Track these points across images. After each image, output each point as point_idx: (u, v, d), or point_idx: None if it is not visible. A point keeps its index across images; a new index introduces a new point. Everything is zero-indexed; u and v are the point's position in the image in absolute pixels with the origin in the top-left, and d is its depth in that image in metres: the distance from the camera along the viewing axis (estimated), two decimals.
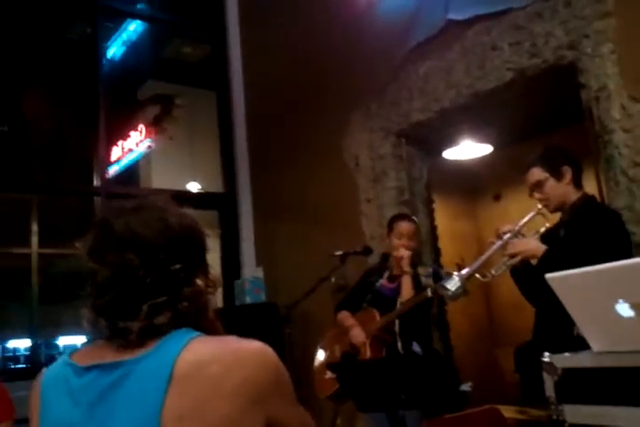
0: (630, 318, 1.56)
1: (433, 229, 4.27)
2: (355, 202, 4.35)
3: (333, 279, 3.82)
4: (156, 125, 7.99)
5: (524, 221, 2.55)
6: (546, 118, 4.22)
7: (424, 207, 4.24)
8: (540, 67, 3.19)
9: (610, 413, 1.63)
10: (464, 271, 2.27)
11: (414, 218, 3.54)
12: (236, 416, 1.00)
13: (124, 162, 8.01)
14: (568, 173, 2.58)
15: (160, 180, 7.77)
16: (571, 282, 1.75)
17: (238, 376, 1.02)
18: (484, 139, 4.70)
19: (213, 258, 5.57)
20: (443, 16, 3.68)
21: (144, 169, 8.32)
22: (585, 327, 1.73)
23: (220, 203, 5.64)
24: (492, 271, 2.48)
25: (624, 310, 1.57)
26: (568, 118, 3.65)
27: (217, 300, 5.11)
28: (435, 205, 4.65)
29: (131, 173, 8.07)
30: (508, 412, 3.34)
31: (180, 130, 7.87)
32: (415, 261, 3.37)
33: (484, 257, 2.48)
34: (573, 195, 2.59)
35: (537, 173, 2.62)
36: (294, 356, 4.28)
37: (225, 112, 5.83)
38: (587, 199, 2.60)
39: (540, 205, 2.57)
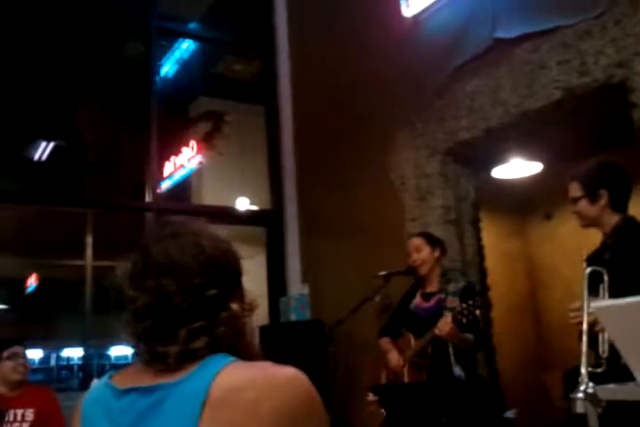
0: None
1: (480, 248, 4.20)
2: (400, 221, 4.32)
3: (378, 299, 3.81)
4: (206, 142, 8.13)
5: (586, 292, 2.27)
6: (598, 137, 4.13)
7: (471, 227, 4.18)
8: (590, 85, 3.14)
9: None
10: (583, 374, 1.98)
11: (426, 233, 3.55)
12: None
13: (176, 177, 8.15)
14: (604, 196, 2.53)
15: (211, 196, 7.88)
16: (616, 311, 1.70)
17: (272, 402, 1.01)
18: (534, 157, 4.63)
19: (260, 274, 5.64)
20: (490, 34, 3.65)
21: (195, 185, 8.46)
22: (630, 358, 1.67)
23: (268, 220, 5.69)
24: (603, 355, 2.26)
25: None
26: (620, 137, 3.57)
27: (261, 318, 5.18)
28: (483, 224, 4.58)
29: (182, 189, 8.21)
30: None
31: (230, 146, 7.99)
32: (447, 277, 3.33)
33: (584, 347, 2.17)
34: (611, 217, 2.55)
35: (574, 190, 2.60)
36: (338, 375, 4.29)
37: (273, 128, 5.91)
38: (628, 221, 2.54)
39: (588, 269, 2.32)
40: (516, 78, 3.51)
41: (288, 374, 1.07)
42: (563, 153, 4.55)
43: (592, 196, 2.55)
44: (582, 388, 1.99)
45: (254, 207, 6.25)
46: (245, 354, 1.12)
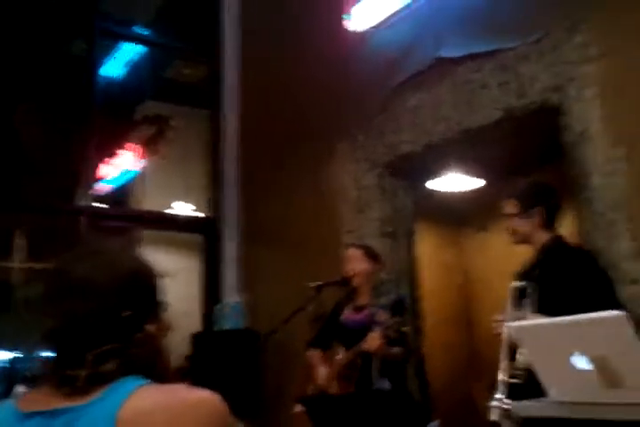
0: (586, 371, 1.54)
1: (412, 260, 4.25)
2: (337, 232, 4.33)
3: (311, 309, 3.80)
4: (150, 146, 8.01)
5: (510, 306, 2.37)
6: (535, 155, 4.23)
7: (406, 239, 4.22)
8: (528, 107, 3.23)
9: None
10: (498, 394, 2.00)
11: (365, 246, 3.55)
12: None
13: (115, 181, 8.01)
14: (538, 214, 2.61)
15: (152, 201, 7.77)
16: (531, 332, 1.75)
17: (183, 426, 0.99)
18: (473, 172, 4.73)
19: (197, 282, 5.57)
20: (434, 53, 3.71)
21: (137, 189, 8.32)
22: (544, 376, 1.71)
23: (205, 227, 5.62)
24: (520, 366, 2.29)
25: (580, 362, 1.56)
26: (556, 155, 3.68)
27: (195, 326, 5.11)
28: (421, 236, 4.64)
29: (124, 194, 8.06)
30: None
31: (175, 151, 7.89)
32: (379, 290, 3.36)
33: (503, 357, 2.20)
34: (542, 235, 2.63)
35: (510, 206, 2.68)
36: (269, 384, 4.26)
37: (216, 134, 5.84)
38: (557, 240, 2.63)
39: (515, 283, 2.41)
40: (458, 96, 3.57)
41: (200, 396, 1.05)
42: (500, 170, 4.66)
43: (527, 213, 2.62)
44: (497, 396, 2.02)
45: (198, 213, 6.18)
46: (160, 377, 1.10)
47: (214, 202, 5.67)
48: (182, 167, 7.92)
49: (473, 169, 4.47)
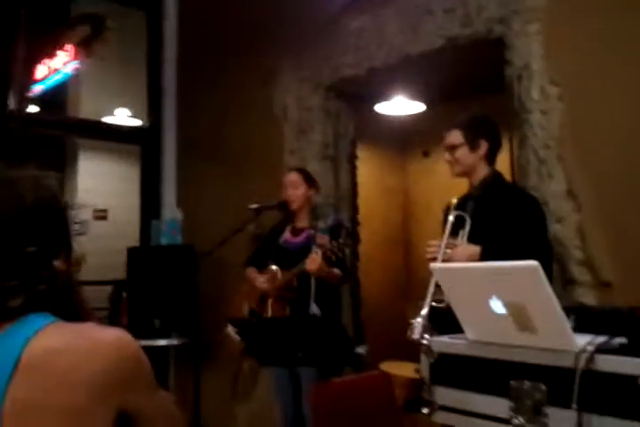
0: (502, 315, 1.64)
1: (354, 186, 4.29)
2: (279, 152, 4.30)
3: (252, 229, 3.85)
4: (85, 46, 7.60)
5: (447, 234, 2.45)
6: (479, 82, 4.22)
7: (347, 164, 4.24)
8: (471, 37, 3.18)
9: (471, 399, 1.73)
10: (423, 312, 2.15)
11: (303, 170, 3.54)
12: (85, 408, 0.98)
13: (49, 82, 7.63)
14: (484, 146, 2.63)
15: (90, 104, 7.47)
16: (453, 274, 1.83)
17: (90, 367, 0.99)
18: (416, 96, 4.72)
19: (134, 194, 5.51)
20: None
21: (73, 93, 7.97)
22: (462, 316, 1.82)
23: (144, 137, 5.47)
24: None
25: (497, 306, 1.65)
26: (498, 87, 3.69)
27: (132, 240, 5.11)
28: (364, 158, 4.67)
29: (58, 97, 7.71)
30: (406, 370, 3.52)
31: (114, 52, 7.52)
32: (317, 213, 3.42)
33: (431, 289, 2.34)
34: (483, 169, 2.65)
35: (455, 137, 2.66)
36: (206, 301, 4.36)
37: (155, 38, 5.58)
38: (496, 176, 2.66)
39: (454, 213, 2.49)
40: (403, 21, 3.50)
41: (111, 336, 1.04)
42: (443, 95, 4.66)
43: (472, 144, 2.63)
44: (422, 313, 2.13)
45: (136, 120, 5.99)
46: (74, 314, 1.09)
47: (153, 111, 5.50)
48: (122, 71, 7.60)
49: (415, 93, 4.45)
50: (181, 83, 5.41)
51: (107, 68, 7.51)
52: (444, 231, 2.44)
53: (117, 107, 7.07)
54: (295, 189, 3.37)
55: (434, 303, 2.15)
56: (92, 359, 0.99)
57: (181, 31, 5.44)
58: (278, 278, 3.27)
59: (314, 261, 2.99)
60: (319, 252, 2.99)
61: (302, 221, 3.42)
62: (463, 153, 2.64)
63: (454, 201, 2.57)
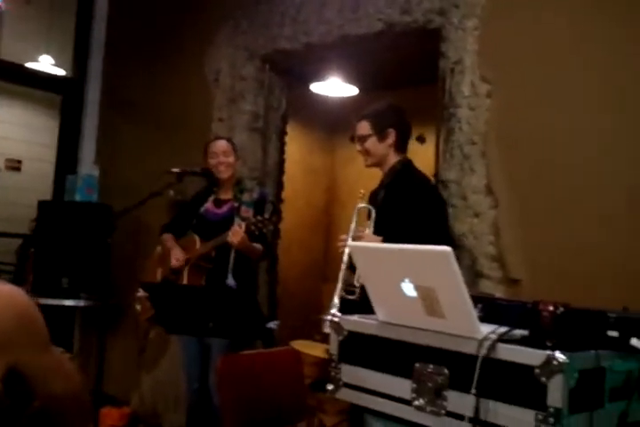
0: (412, 298, 1.70)
1: (281, 162, 4.28)
2: (207, 119, 4.24)
3: (172, 193, 3.79)
4: None
5: (354, 225, 2.55)
6: (413, 73, 4.28)
7: (276, 138, 4.22)
8: (410, 25, 3.21)
9: (376, 378, 1.80)
10: (335, 300, 2.21)
11: (231, 140, 3.52)
12: None
13: None
14: (391, 136, 2.72)
15: (11, 47, 7.09)
16: (368, 254, 1.87)
17: None
18: (351, 80, 4.74)
19: (51, 148, 5.30)
20: None
21: None
22: (374, 297, 1.87)
23: (66, 87, 5.26)
24: (356, 283, 2.38)
25: (408, 289, 1.70)
26: (432, 78, 3.76)
27: (45, 193, 4.94)
28: (293, 137, 4.65)
29: None
30: (317, 350, 3.59)
31: None
32: (242, 186, 3.40)
33: (341, 275, 2.40)
34: (393, 157, 2.75)
35: (363, 128, 2.75)
36: (118, 262, 4.29)
37: None
38: (405, 163, 2.75)
39: (360, 204, 2.58)
40: (344, 1, 3.49)
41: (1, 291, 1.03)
42: (378, 81, 4.72)
43: (381, 134, 2.71)
44: (332, 311, 2.22)
45: (60, 70, 5.73)
46: None
47: (79, 61, 5.28)
48: (48, 16, 7.23)
49: (350, 77, 4.47)
50: (111, 36, 5.22)
51: (33, 12, 7.13)
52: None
53: (41, 53, 6.74)
54: (227, 157, 3.34)
55: (346, 295, 2.22)
56: None
57: None
58: (196, 249, 3.25)
59: (237, 234, 2.98)
60: (243, 225, 2.99)
61: (226, 193, 3.40)
62: (372, 143, 2.73)
63: (362, 191, 2.64)
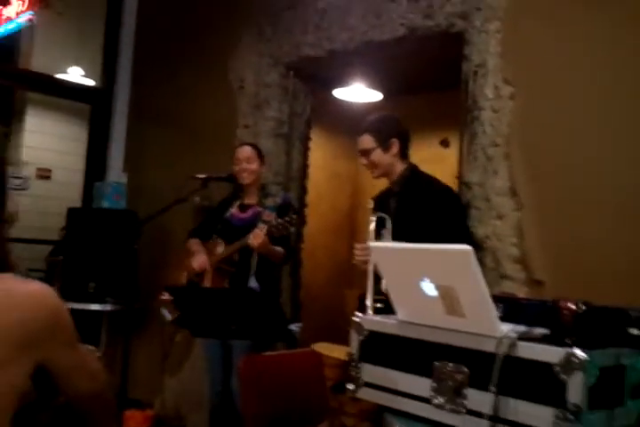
0: (433, 297, 1.70)
1: (305, 167, 4.32)
2: (232, 126, 4.29)
3: (198, 199, 3.84)
4: None
5: (372, 235, 2.49)
6: (437, 77, 4.28)
7: (300, 144, 4.26)
8: (432, 29, 3.23)
9: (396, 377, 1.79)
10: (367, 302, 2.18)
11: (256, 145, 3.53)
12: (2, 360, 0.98)
13: (1, 32, 7.35)
14: (395, 145, 2.73)
15: (42, 59, 7.24)
16: (389, 254, 1.88)
17: (5, 318, 0.99)
18: (375, 85, 4.76)
19: (80, 156, 5.40)
20: None
21: (25, 45, 7.70)
22: (394, 296, 1.87)
23: (95, 97, 5.36)
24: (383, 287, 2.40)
25: (429, 288, 1.70)
26: (453, 82, 3.75)
27: (74, 201, 5.02)
28: (318, 143, 4.68)
29: (9, 49, 7.43)
30: (339, 352, 3.59)
31: (72, 7, 7.28)
32: (266, 191, 3.45)
33: (370, 283, 2.32)
34: (399, 166, 2.77)
35: (366, 141, 2.76)
36: (146, 267, 4.34)
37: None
38: (413, 170, 2.77)
39: (375, 215, 2.52)
40: (368, 6, 3.51)
41: (30, 289, 1.04)
42: (402, 86, 4.72)
43: (384, 145, 2.73)
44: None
45: (89, 80, 5.84)
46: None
47: (108, 72, 5.39)
48: (77, 28, 7.38)
49: (374, 82, 4.48)
50: (139, 46, 5.31)
51: (63, 24, 7.28)
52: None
53: (71, 64, 6.87)
54: (250, 164, 3.37)
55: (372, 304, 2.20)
56: (8, 310, 0.99)
57: None
58: (220, 252, 3.28)
59: (257, 237, 3.00)
60: (264, 228, 3.01)
61: (251, 198, 3.42)
62: (378, 155, 2.74)
63: (371, 203, 2.62)
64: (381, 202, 2.72)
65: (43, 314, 1.03)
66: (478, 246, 2.64)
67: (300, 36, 3.90)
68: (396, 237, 2.48)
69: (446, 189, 2.74)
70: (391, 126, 2.77)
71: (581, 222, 2.59)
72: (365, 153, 2.76)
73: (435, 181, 2.75)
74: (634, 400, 1.46)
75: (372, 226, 2.46)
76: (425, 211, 2.57)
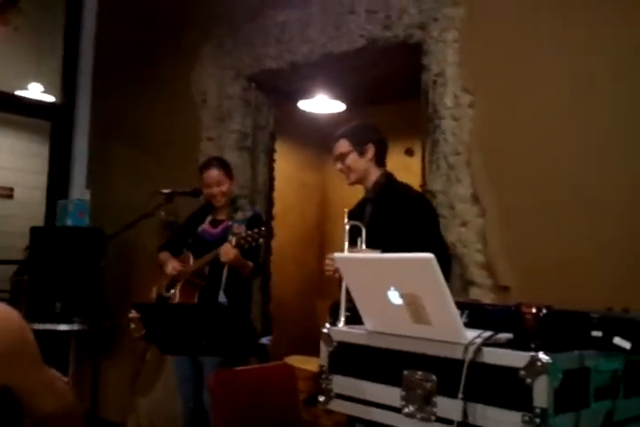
0: (398, 306, 1.71)
1: (271, 179, 4.32)
2: (196, 139, 4.27)
3: (163, 214, 3.81)
4: None
5: (347, 244, 2.47)
6: (399, 86, 4.31)
7: (265, 156, 4.26)
8: (391, 40, 3.26)
9: (366, 388, 1.80)
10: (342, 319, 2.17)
11: (222, 163, 3.47)
12: None
13: None
14: (371, 150, 2.74)
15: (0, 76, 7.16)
16: (354, 264, 1.88)
17: None
18: (338, 96, 4.79)
19: (42, 173, 5.31)
20: None
21: None
22: (362, 307, 1.87)
23: (55, 114, 5.29)
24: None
25: (394, 297, 1.71)
26: (414, 91, 3.79)
27: (37, 220, 4.95)
28: (282, 154, 4.68)
29: None
30: (312, 364, 3.57)
31: (29, 23, 7.20)
32: (236, 205, 3.43)
33: (343, 293, 2.24)
34: (374, 172, 2.77)
35: (343, 146, 2.77)
36: (112, 284, 4.29)
37: (74, 13, 5.38)
38: (388, 177, 2.77)
39: (349, 223, 2.49)
40: (327, 18, 3.54)
41: None
42: (364, 97, 4.76)
43: (360, 149, 2.74)
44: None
45: (49, 96, 5.77)
46: None
47: (67, 87, 5.33)
48: (35, 43, 7.30)
49: (337, 93, 4.51)
50: (98, 60, 5.28)
51: (21, 39, 7.18)
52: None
53: (30, 81, 6.78)
54: (220, 186, 3.36)
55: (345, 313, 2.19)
56: None
57: (101, 7, 5.31)
58: (190, 264, 3.27)
59: (227, 249, 3.01)
60: (233, 240, 3.01)
61: (222, 213, 3.42)
62: (353, 159, 2.75)
63: (346, 211, 2.60)
64: (357, 211, 2.71)
65: (6, 336, 1.02)
66: (451, 253, 2.66)
67: (261, 48, 3.91)
68: (370, 244, 2.46)
69: (421, 196, 2.77)
70: (367, 132, 2.78)
71: (544, 228, 2.63)
72: (341, 157, 2.76)
73: (410, 189, 2.77)
74: (599, 402, 1.48)
75: (346, 234, 2.44)
76: (400, 217, 2.58)
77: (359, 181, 2.80)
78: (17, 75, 6.69)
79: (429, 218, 2.67)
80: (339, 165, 2.79)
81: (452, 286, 1.62)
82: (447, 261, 2.64)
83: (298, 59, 3.71)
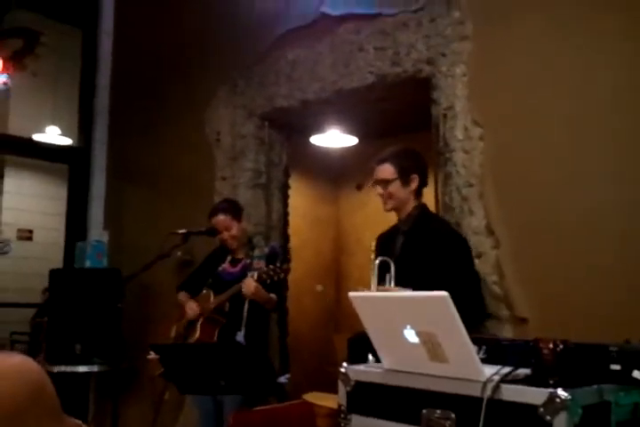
0: (415, 344, 1.70)
1: (285, 214, 4.34)
2: (210, 178, 4.32)
3: (179, 254, 3.84)
4: (16, 60, 7.44)
5: (375, 280, 2.43)
6: (409, 119, 4.35)
7: (279, 192, 4.29)
8: (400, 76, 3.30)
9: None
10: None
11: (229, 205, 3.49)
12: None
13: None
14: (415, 181, 2.70)
15: (19, 121, 7.30)
16: (370, 303, 1.88)
17: None
18: (350, 130, 4.84)
19: (61, 215, 5.39)
20: (317, 8, 3.70)
21: (2, 108, 7.78)
22: (379, 345, 1.87)
23: (72, 157, 5.39)
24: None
25: (410, 335, 1.70)
26: (424, 125, 3.82)
27: (56, 262, 4.99)
28: (297, 189, 4.72)
29: None
30: (330, 401, 3.53)
31: (46, 68, 7.38)
32: (253, 244, 3.46)
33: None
34: (412, 203, 2.72)
35: (387, 172, 2.69)
36: (130, 326, 4.29)
37: (90, 57, 5.53)
38: (423, 209, 2.74)
39: (377, 259, 2.44)
40: (336, 56, 3.60)
41: (10, 362, 1.02)
42: (376, 130, 4.81)
43: (405, 179, 2.68)
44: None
45: (66, 139, 5.89)
46: None
47: (84, 130, 5.43)
48: (53, 88, 7.47)
49: (349, 128, 4.56)
50: (114, 103, 5.38)
51: (39, 85, 7.37)
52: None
53: (48, 124, 6.93)
54: (229, 231, 3.38)
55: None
56: None
57: (117, 51, 5.43)
58: (211, 301, 3.28)
59: (249, 283, 3.01)
60: (255, 274, 3.01)
61: (241, 253, 3.45)
62: (396, 188, 2.68)
63: (373, 245, 2.58)
64: (386, 241, 2.68)
65: (24, 388, 1.01)
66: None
67: (273, 87, 3.98)
68: (399, 278, 2.41)
69: (455, 232, 2.73)
70: (414, 161, 2.71)
71: (560, 258, 2.61)
72: (384, 183, 2.68)
73: (445, 223, 2.75)
74: None
75: (375, 270, 2.38)
76: (433, 252, 2.53)
77: (396, 209, 2.75)
78: (35, 118, 6.85)
79: (464, 255, 2.63)
80: (379, 190, 2.71)
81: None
82: (480, 299, 2.61)
83: (309, 96, 3.76)
